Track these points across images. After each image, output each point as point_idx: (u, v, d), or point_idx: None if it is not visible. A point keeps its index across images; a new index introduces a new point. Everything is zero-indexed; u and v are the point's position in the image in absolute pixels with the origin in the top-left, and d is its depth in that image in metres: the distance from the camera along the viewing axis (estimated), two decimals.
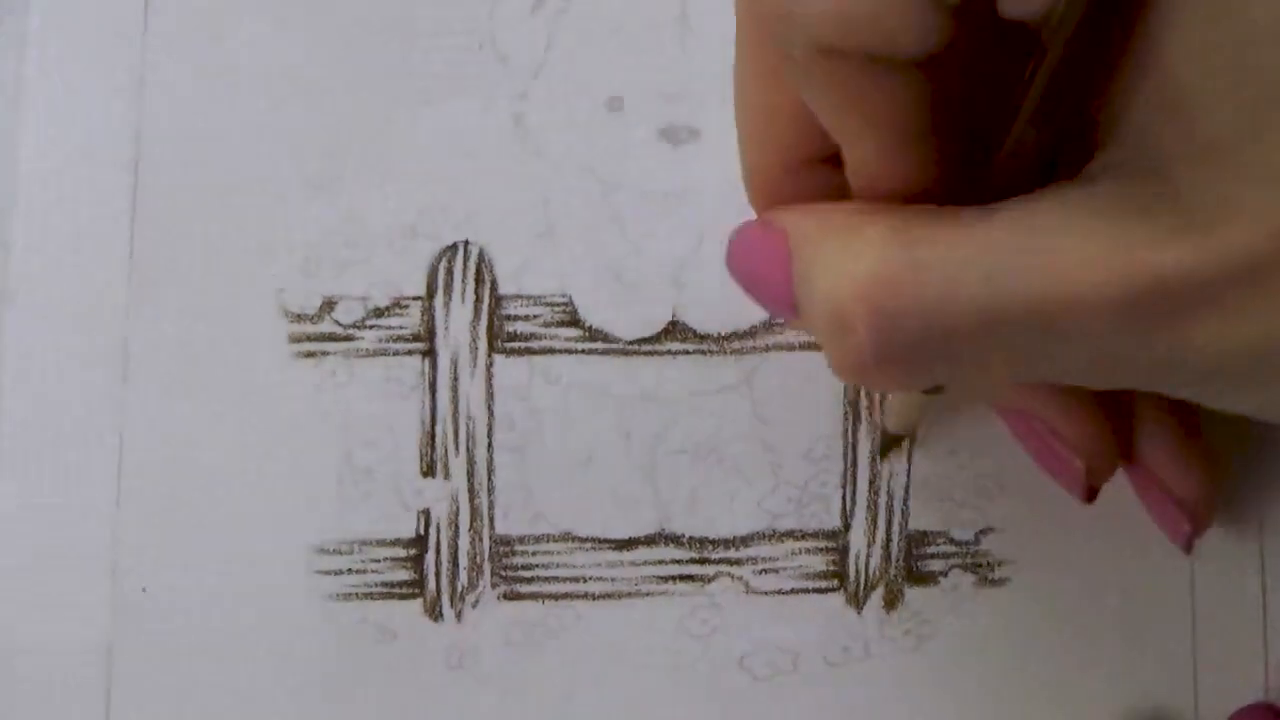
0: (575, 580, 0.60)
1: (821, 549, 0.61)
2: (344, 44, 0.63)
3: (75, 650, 0.60)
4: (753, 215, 0.52)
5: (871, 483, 0.61)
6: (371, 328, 0.61)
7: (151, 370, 0.61)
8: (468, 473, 0.61)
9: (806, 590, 0.60)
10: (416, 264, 0.62)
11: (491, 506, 0.61)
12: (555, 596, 0.60)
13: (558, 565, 0.61)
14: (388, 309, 0.61)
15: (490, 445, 0.61)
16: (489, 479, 0.61)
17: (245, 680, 0.60)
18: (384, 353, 0.61)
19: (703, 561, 0.61)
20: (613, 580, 0.61)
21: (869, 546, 0.61)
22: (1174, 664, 0.59)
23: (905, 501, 0.61)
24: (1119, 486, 0.60)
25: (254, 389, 0.61)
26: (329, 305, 0.61)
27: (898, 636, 0.60)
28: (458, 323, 0.61)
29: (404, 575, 0.60)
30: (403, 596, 0.60)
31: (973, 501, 0.60)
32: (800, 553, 0.61)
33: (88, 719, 0.59)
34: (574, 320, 0.62)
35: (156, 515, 0.60)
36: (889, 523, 0.61)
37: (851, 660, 0.60)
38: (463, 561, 0.60)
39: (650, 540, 0.61)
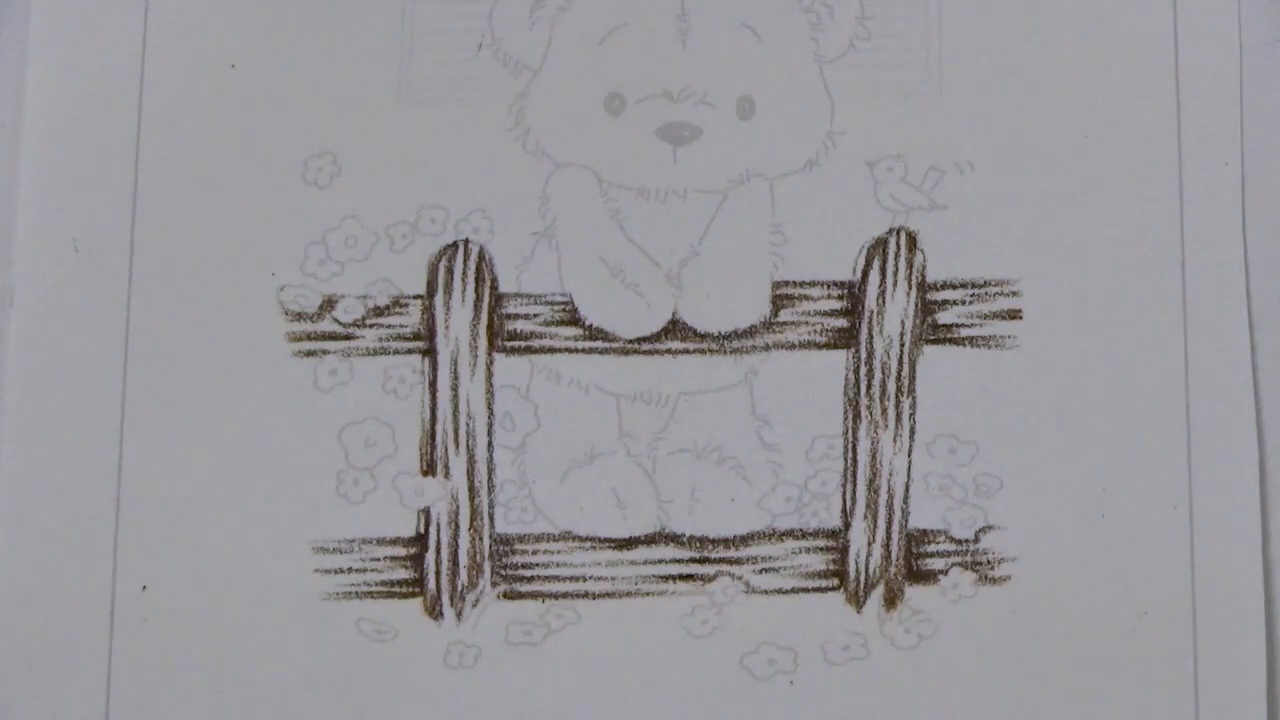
0: (575, 580, 0.60)
1: (821, 548, 0.61)
2: (344, 43, 0.63)
3: (75, 649, 0.59)
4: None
5: (871, 482, 0.61)
6: (371, 326, 0.61)
7: (151, 369, 0.61)
8: (468, 472, 0.61)
9: (806, 590, 0.60)
10: (416, 263, 0.62)
11: (491, 506, 0.61)
12: (555, 596, 0.60)
13: (558, 565, 0.60)
14: (388, 308, 0.61)
15: (490, 444, 0.61)
16: (489, 478, 0.61)
17: (245, 678, 0.59)
18: (384, 351, 0.61)
19: (703, 561, 0.61)
20: (613, 580, 0.61)
21: (869, 545, 0.60)
22: (1174, 661, 0.59)
23: (905, 500, 0.61)
24: (1119, 484, 0.60)
25: (254, 388, 0.61)
26: (329, 304, 0.61)
27: (898, 635, 0.60)
28: (458, 322, 0.61)
29: (404, 574, 0.60)
30: (403, 595, 0.60)
31: (973, 500, 0.60)
32: (800, 552, 0.61)
33: (88, 717, 0.59)
34: (574, 319, 0.62)
35: (156, 515, 0.60)
36: (889, 521, 0.61)
37: (851, 660, 0.60)
38: (463, 560, 0.60)
39: (650, 540, 0.61)
